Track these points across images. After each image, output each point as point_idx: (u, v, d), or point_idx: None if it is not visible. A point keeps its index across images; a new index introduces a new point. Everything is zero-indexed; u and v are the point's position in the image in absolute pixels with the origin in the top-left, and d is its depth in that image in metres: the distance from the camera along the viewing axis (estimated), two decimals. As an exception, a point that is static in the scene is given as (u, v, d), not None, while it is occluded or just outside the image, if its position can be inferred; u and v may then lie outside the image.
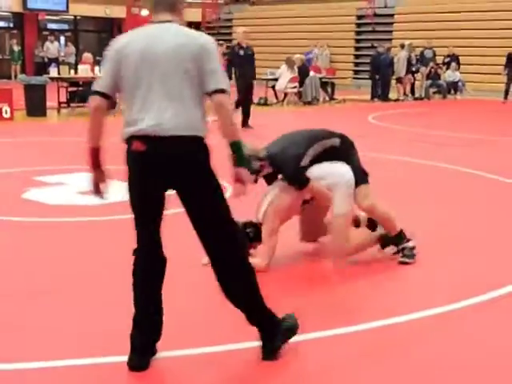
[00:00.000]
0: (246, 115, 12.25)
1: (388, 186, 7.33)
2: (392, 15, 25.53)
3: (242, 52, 12.30)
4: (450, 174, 8.13)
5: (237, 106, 12.04)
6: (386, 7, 25.91)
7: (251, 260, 4.30)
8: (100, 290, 4.00)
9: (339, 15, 26.10)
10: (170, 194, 3.08)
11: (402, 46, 20.26)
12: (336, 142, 4.55)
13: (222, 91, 2.94)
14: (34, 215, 5.67)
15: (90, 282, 4.14)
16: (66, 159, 8.60)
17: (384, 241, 4.56)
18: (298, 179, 4.36)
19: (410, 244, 4.57)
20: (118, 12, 29.76)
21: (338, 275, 4.32)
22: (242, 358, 3.18)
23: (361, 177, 4.51)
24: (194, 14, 30.53)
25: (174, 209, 3.17)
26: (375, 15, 25.83)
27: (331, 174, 4.40)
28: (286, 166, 4.36)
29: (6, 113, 12.85)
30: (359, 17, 26.49)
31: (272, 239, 4.36)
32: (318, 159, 4.42)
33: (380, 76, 19.81)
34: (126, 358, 3.01)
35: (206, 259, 4.25)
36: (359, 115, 15.72)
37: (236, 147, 3.01)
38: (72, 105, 14.68)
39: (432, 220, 5.78)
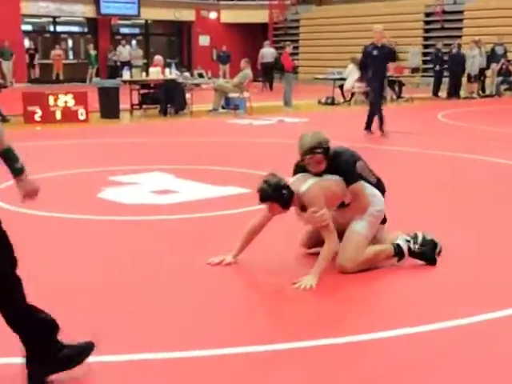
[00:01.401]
0: (380, 119, 11.51)
1: (459, 185, 7.31)
2: (461, 12, 25.10)
3: (375, 52, 11.35)
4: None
5: (372, 111, 11.64)
6: (454, 3, 25.49)
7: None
8: (169, 289, 4.18)
9: (407, 13, 25.84)
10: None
11: (476, 43, 19.95)
12: (373, 180, 4.58)
13: None
14: (110, 214, 5.92)
15: (160, 279, 4.33)
16: (139, 159, 8.91)
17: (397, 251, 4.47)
18: (353, 171, 4.35)
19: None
20: (187, 15, 30.29)
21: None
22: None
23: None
24: (261, 15, 30.79)
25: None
26: (444, 12, 25.45)
27: (372, 194, 4.45)
28: (345, 156, 4.39)
29: (82, 115, 13.34)
30: (427, 14, 26.16)
31: (332, 231, 4.22)
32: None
33: (450, 73, 19.65)
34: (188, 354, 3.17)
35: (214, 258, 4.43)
36: (428, 113, 15.57)
37: (6, 155, 2.62)
38: (144, 106, 15.12)
39: (502, 217, 5.76)
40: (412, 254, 4.46)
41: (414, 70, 22.60)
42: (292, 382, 2.96)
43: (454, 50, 19.73)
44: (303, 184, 4.28)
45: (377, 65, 11.30)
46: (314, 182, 4.28)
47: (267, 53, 23.54)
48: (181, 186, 7.08)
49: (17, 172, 2.69)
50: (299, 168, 4.46)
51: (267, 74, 23.46)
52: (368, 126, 11.71)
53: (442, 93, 20.05)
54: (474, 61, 19.72)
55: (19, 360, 2.89)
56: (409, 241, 4.49)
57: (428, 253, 4.48)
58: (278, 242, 4.74)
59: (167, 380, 2.98)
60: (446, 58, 20.04)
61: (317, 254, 4.38)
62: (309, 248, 4.68)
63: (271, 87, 23.17)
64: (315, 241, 4.58)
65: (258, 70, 23.51)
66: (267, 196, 4.24)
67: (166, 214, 5.90)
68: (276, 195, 4.21)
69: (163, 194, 6.74)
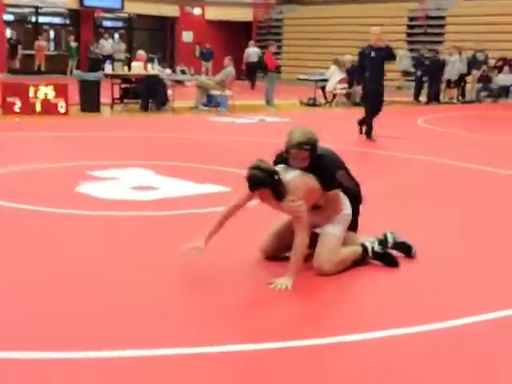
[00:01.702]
0: (369, 126, 11.21)
1: (438, 190, 7.35)
2: (444, 17, 25.28)
3: (373, 53, 10.84)
4: (501, 178, 8.09)
5: (366, 118, 11.21)
6: (438, 9, 25.66)
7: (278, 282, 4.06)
8: (137, 285, 4.15)
9: (390, 17, 25.94)
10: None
11: (457, 48, 20.18)
12: (351, 187, 4.61)
13: None
14: (86, 208, 5.87)
15: (136, 276, 4.30)
16: (118, 154, 8.86)
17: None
18: (334, 178, 4.36)
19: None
20: (171, 11, 30.16)
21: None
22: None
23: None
24: (246, 14, 30.78)
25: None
26: (427, 17, 25.61)
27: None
28: (328, 160, 4.38)
29: (62, 108, 13.23)
30: (411, 18, 26.30)
31: (305, 224, 4.15)
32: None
33: (429, 78, 19.83)
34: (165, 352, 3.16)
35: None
36: (408, 118, 15.66)
37: None
38: (125, 101, 15.04)
39: (476, 220, 5.81)
40: (375, 255, 4.52)
41: (405, 74, 22.71)
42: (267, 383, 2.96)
43: (433, 55, 19.93)
44: (287, 174, 4.24)
45: (374, 67, 10.96)
46: (298, 174, 4.24)
47: (252, 52, 23.83)
48: (160, 183, 7.05)
49: None
50: (280, 159, 4.40)
51: (252, 73, 23.69)
52: (368, 133, 11.26)
53: (423, 97, 20.18)
54: (454, 66, 19.89)
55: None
56: (373, 242, 4.55)
57: (389, 255, 4.54)
58: (250, 245, 4.72)
59: (152, 379, 2.96)
60: (427, 62, 20.17)
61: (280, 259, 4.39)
62: (268, 256, 4.54)
63: (253, 86, 23.28)
64: (277, 247, 4.50)
65: (242, 69, 23.71)
66: (260, 182, 4.04)
67: (144, 210, 5.87)
68: (269, 180, 4.04)
69: (142, 190, 6.70)
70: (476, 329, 3.62)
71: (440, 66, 19.66)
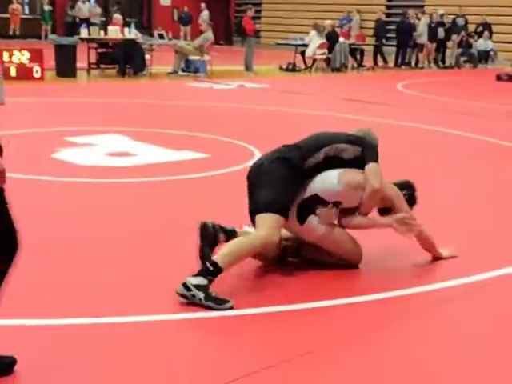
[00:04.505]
0: None
1: (413, 155, 7.36)
2: (425, -19, 25.10)
3: None
4: (476, 144, 8.12)
5: None
6: (419, -28, 25.46)
7: None
8: (113, 250, 4.12)
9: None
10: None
11: (423, 13, 20.29)
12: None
13: None
14: (63, 175, 5.80)
15: (105, 240, 4.26)
16: (95, 120, 8.74)
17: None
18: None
19: None
20: (148, -27, 29.65)
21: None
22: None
23: None
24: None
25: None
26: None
27: None
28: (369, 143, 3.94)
29: (37, 72, 13.00)
30: (391, -17, 26.11)
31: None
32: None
33: (397, 43, 19.95)
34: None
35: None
36: (388, 83, 15.62)
37: None
38: (101, 66, 14.81)
39: (454, 190, 5.83)
40: None
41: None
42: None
43: (400, 19, 20.01)
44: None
45: None
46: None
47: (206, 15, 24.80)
48: (137, 149, 6.98)
49: None
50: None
51: None
52: None
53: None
54: (422, 30, 19.90)
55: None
56: None
57: None
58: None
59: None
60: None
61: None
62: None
63: None
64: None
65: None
66: None
67: (120, 177, 5.80)
68: None
69: (119, 156, 6.63)
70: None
71: (409, 30, 19.63)
